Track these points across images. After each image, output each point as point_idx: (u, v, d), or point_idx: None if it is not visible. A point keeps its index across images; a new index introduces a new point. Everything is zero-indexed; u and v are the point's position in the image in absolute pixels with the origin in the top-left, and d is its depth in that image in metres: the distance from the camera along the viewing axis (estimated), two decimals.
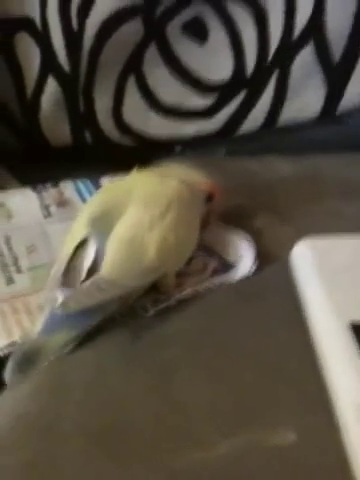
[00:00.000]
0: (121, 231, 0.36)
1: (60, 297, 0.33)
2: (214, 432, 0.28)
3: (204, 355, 0.32)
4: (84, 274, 0.35)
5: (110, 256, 0.35)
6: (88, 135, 0.57)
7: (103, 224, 0.37)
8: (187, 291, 0.37)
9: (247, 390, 0.29)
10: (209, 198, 0.41)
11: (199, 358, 0.32)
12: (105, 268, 0.34)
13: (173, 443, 0.27)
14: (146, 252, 0.35)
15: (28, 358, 0.33)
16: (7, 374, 0.33)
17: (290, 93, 0.54)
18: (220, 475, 0.26)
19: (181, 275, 0.38)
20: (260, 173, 0.54)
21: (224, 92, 0.54)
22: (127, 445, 0.27)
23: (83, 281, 0.34)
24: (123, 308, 0.36)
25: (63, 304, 0.33)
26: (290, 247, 0.38)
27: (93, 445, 0.27)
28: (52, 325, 0.34)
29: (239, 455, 0.26)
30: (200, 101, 0.55)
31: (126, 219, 0.36)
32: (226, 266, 0.39)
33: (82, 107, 0.55)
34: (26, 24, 0.53)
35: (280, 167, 0.54)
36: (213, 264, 0.40)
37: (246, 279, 0.38)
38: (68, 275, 0.35)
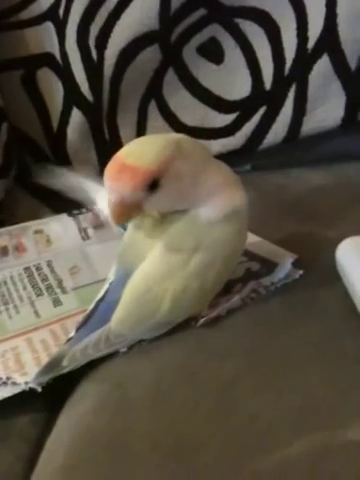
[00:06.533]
0: (137, 280, 0.34)
1: (68, 351, 0.34)
2: (288, 435, 0.27)
3: (266, 367, 0.31)
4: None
5: (123, 306, 0.34)
6: None
7: (126, 261, 0.35)
8: (235, 299, 0.36)
9: (315, 397, 0.29)
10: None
11: (262, 370, 0.31)
12: (116, 318, 0.34)
13: (249, 450, 0.26)
14: (159, 306, 0.33)
15: (52, 363, 0.33)
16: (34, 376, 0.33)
17: (310, 104, 0.54)
18: (304, 469, 0.25)
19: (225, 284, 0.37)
20: (288, 185, 0.54)
21: (244, 108, 0.55)
22: (205, 457, 0.26)
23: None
24: None
25: (70, 358, 0.33)
26: (333, 250, 0.37)
27: (170, 461, 0.26)
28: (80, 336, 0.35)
29: (318, 451, 0.25)
30: (222, 119, 0.55)
31: (145, 266, 0.34)
32: (269, 266, 0.39)
33: (107, 135, 0.56)
34: (47, 59, 0.54)
35: (307, 178, 0.54)
36: (255, 267, 0.39)
37: (293, 283, 0.37)
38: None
